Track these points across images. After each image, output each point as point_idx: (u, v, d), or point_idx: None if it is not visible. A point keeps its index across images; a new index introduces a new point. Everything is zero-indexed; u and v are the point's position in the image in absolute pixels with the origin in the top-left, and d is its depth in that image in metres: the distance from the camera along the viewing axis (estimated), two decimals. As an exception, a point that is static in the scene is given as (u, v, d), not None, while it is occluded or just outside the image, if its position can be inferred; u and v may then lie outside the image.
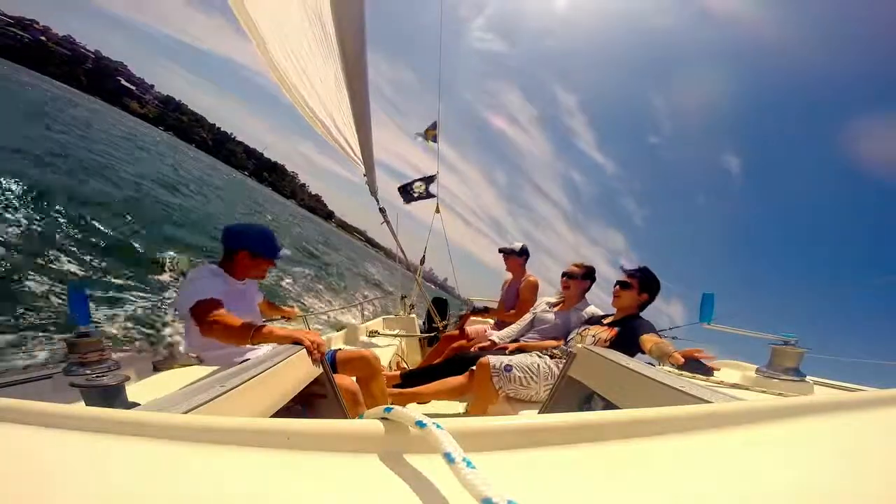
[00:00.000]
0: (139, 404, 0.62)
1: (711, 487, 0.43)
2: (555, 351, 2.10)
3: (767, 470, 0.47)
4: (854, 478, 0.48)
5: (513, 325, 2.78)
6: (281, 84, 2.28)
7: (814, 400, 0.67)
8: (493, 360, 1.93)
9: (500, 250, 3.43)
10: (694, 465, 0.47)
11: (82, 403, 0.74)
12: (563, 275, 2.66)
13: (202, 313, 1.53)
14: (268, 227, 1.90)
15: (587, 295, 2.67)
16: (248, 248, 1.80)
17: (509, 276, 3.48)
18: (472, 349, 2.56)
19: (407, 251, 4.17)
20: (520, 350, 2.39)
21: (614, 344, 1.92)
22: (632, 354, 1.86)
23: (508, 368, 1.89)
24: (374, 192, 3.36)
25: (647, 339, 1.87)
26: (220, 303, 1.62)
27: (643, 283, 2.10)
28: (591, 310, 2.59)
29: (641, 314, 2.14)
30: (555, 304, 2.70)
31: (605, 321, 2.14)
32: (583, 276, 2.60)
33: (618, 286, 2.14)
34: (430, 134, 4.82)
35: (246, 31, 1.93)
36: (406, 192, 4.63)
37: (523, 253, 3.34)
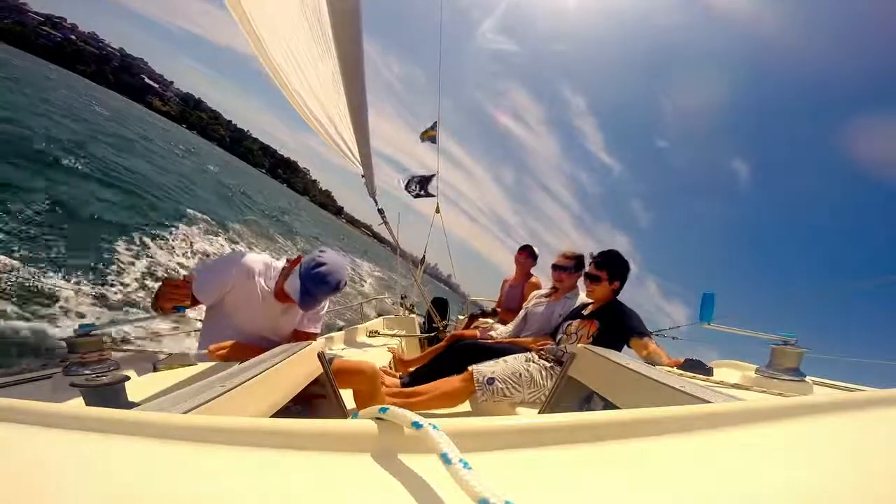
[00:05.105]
0: (139, 404, 0.63)
1: (711, 487, 0.43)
2: (542, 353, 2.10)
3: (767, 470, 0.47)
4: (854, 478, 0.48)
5: (511, 323, 2.83)
6: (278, 82, 2.26)
7: (814, 400, 0.67)
8: (477, 372, 1.92)
9: (523, 247, 3.75)
10: (693, 466, 0.47)
11: (82, 403, 0.74)
12: (553, 267, 2.67)
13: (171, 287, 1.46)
14: (327, 271, 1.58)
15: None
16: (300, 283, 1.58)
17: (509, 274, 3.85)
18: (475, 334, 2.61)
19: (412, 248, 4.21)
20: (511, 344, 2.40)
21: (598, 338, 1.91)
22: (619, 345, 1.87)
23: (490, 381, 1.89)
24: (372, 194, 3.36)
25: (641, 346, 1.87)
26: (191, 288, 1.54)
27: (612, 273, 2.06)
28: (583, 298, 2.59)
29: (620, 298, 2.10)
30: (546, 295, 2.71)
31: (584, 312, 2.12)
32: (574, 268, 2.60)
33: (588, 280, 2.09)
34: (430, 134, 4.85)
35: (241, 28, 1.90)
36: (406, 186, 4.80)
37: (536, 258, 3.77)
